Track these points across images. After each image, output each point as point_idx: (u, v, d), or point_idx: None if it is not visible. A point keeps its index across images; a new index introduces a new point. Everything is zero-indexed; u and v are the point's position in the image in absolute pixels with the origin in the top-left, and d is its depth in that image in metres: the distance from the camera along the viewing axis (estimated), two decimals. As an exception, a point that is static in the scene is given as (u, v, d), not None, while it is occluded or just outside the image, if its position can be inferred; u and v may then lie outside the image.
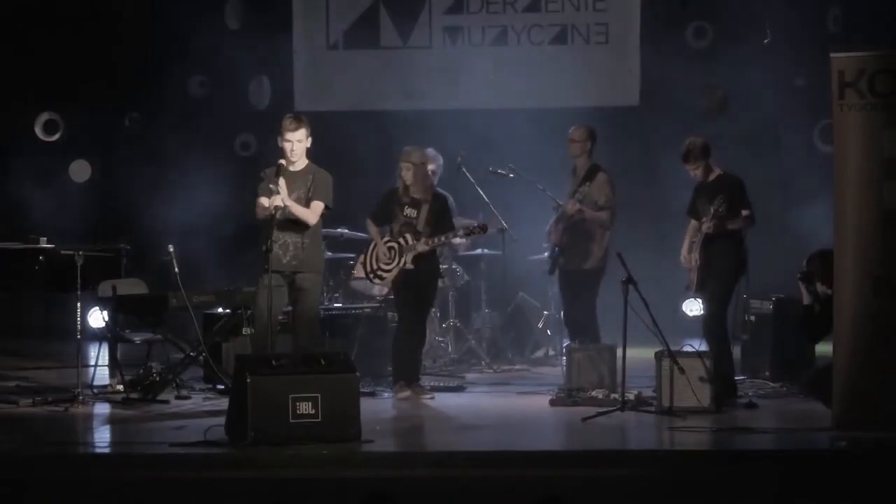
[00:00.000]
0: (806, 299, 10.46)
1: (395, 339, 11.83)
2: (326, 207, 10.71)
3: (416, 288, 11.72)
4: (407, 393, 11.57)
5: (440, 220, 11.73)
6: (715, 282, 11.16)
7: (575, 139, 12.25)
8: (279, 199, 10.42)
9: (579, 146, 12.24)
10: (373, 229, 11.94)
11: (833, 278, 9.83)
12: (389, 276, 11.77)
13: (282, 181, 10.46)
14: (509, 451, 9.53)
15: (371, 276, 11.94)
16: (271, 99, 15.91)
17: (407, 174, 11.71)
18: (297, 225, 10.61)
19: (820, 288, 10.36)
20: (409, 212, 11.73)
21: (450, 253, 13.39)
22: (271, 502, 7.02)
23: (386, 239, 11.81)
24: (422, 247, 11.64)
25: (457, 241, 13.28)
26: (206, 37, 15.15)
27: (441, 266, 13.18)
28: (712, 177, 11.27)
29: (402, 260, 11.69)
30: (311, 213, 10.64)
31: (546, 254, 12.60)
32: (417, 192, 11.73)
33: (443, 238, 11.72)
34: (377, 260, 11.83)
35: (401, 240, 11.72)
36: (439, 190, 12.14)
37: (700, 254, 11.15)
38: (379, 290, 12.74)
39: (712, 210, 11.02)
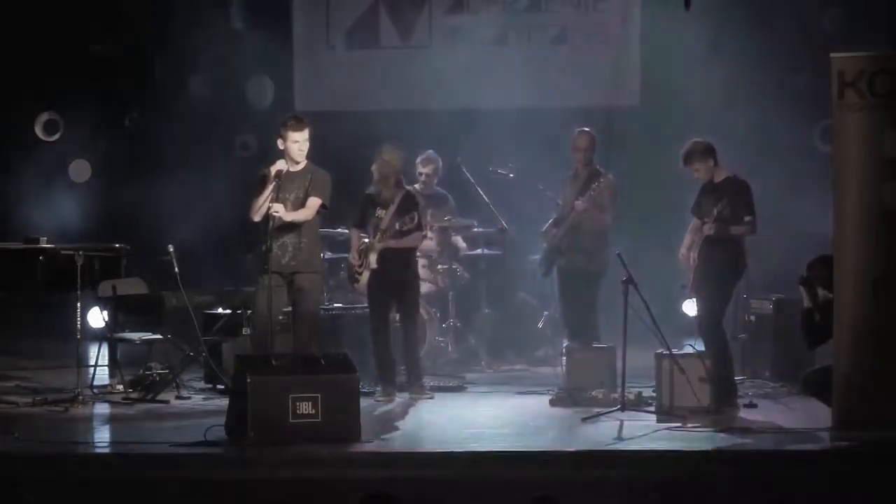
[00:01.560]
0: (806, 303, 10.45)
1: (372, 343, 11.71)
2: (324, 206, 10.72)
3: (391, 288, 11.68)
4: (390, 401, 11.50)
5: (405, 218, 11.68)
6: (711, 284, 11.14)
7: (580, 147, 12.21)
8: (278, 208, 10.47)
9: (585, 154, 12.21)
10: (352, 235, 11.96)
11: (833, 282, 9.83)
12: (363, 278, 11.76)
13: (279, 206, 10.47)
14: (509, 451, 9.54)
15: (351, 279, 11.96)
16: (271, 99, 15.90)
17: (375, 172, 11.70)
18: (295, 225, 10.63)
19: (821, 293, 10.32)
20: (380, 212, 11.71)
21: (451, 253, 13.38)
22: (271, 502, 7.02)
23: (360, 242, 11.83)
24: (379, 245, 11.60)
25: (460, 242, 13.32)
26: (206, 37, 15.14)
27: (441, 266, 13.19)
28: (720, 178, 11.24)
29: (367, 260, 11.67)
30: (309, 210, 10.67)
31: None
32: (385, 192, 11.70)
33: (389, 233, 11.61)
34: (352, 264, 11.85)
35: (366, 240, 11.71)
36: (417, 189, 12.07)
37: (699, 254, 11.15)
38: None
39: (715, 212, 11.00)
